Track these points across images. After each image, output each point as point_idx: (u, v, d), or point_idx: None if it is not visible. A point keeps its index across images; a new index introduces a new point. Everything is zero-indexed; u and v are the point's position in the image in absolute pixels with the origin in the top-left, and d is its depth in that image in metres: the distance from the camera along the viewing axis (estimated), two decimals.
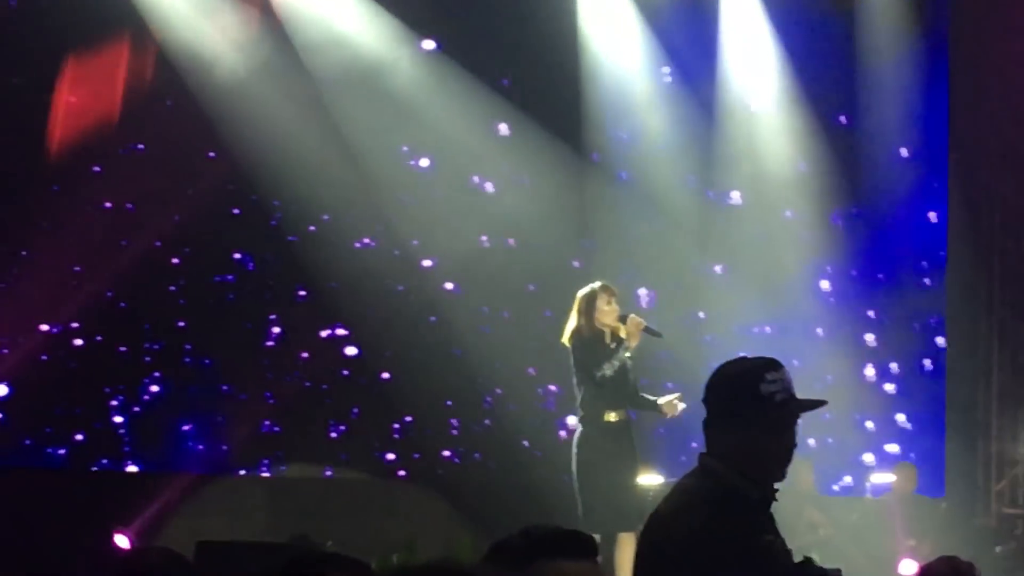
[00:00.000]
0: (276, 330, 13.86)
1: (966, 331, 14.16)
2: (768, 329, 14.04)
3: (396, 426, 13.86)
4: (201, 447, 13.71)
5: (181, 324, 13.67)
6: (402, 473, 13.88)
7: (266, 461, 13.86)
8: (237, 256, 13.87)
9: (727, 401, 4.24)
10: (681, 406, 9.93)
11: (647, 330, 9.93)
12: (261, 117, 13.43)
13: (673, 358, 12.43)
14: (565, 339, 9.99)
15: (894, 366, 14.13)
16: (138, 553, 5.48)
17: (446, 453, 13.93)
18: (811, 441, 13.48)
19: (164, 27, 13.43)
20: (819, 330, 14.10)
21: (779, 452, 4.24)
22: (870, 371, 14.09)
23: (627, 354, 9.89)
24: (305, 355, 13.77)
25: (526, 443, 13.67)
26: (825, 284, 14.20)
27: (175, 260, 13.67)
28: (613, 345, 9.88)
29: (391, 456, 13.90)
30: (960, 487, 13.84)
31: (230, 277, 13.87)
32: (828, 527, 12.59)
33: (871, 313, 14.15)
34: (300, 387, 13.67)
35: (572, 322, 9.96)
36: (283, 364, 13.73)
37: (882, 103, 13.99)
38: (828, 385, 13.28)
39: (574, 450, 9.88)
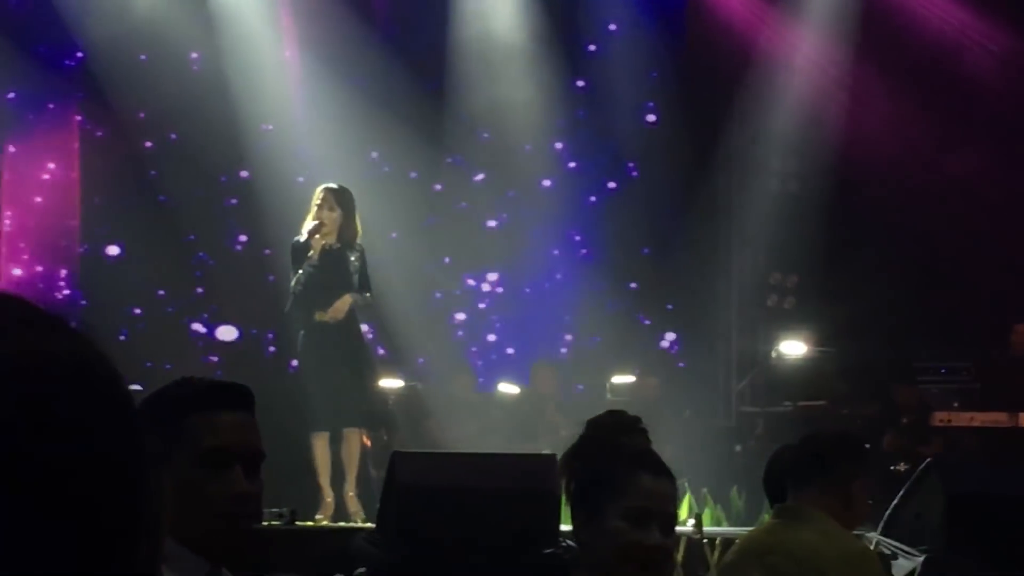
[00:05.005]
0: None
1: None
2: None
3: None
4: None
5: None
6: None
7: None
8: None
9: None
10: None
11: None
12: None
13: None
14: None
15: None
16: None
17: None
18: (563, 350, 13.80)
19: None
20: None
21: None
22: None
23: (353, 256, 9.57)
24: None
25: None
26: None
27: None
28: (313, 253, 9.50)
29: None
30: (702, 389, 13.92)
31: None
32: (569, 428, 12.49)
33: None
34: None
35: None
36: None
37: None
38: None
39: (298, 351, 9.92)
